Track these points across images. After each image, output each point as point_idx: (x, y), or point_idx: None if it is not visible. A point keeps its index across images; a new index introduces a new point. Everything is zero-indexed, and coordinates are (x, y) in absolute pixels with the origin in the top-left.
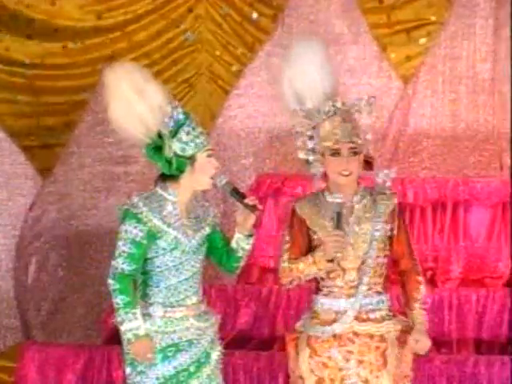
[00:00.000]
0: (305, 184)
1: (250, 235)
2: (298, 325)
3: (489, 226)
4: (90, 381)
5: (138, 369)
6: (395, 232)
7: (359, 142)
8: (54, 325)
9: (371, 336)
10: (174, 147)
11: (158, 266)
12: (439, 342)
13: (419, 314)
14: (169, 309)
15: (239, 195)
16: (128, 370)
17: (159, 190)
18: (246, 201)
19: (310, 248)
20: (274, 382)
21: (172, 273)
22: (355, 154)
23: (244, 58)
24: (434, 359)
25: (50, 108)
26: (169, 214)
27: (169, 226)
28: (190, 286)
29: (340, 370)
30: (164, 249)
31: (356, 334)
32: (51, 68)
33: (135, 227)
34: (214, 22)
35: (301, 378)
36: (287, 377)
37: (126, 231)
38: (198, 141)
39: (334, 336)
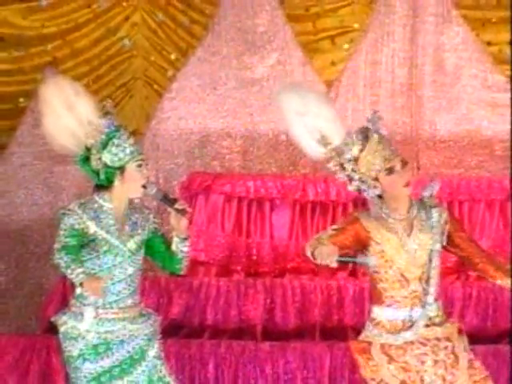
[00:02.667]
0: (233, 182)
1: (186, 238)
2: (362, 336)
3: None
4: (27, 368)
5: (73, 365)
6: (446, 241)
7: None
8: None
9: (438, 338)
10: (105, 158)
11: (92, 269)
12: (360, 331)
13: None
14: (101, 310)
15: (170, 201)
16: (67, 368)
17: (96, 197)
18: (177, 206)
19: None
20: (204, 368)
21: (106, 274)
22: (405, 164)
23: (178, 63)
24: None
25: None
26: (104, 220)
27: (102, 229)
28: (124, 289)
29: (418, 372)
30: (97, 251)
31: (427, 339)
32: None
33: (73, 220)
34: (149, 30)
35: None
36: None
37: (64, 224)
38: (127, 152)
39: (406, 342)
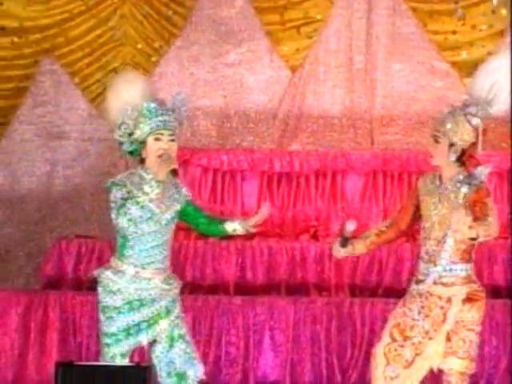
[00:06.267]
0: (209, 156)
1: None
2: None
3: (362, 191)
4: (29, 320)
5: (107, 315)
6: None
7: (450, 136)
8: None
9: (440, 297)
10: (136, 135)
11: (134, 232)
12: (320, 287)
13: None
14: (140, 269)
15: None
16: (100, 316)
17: (139, 170)
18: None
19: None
20: None
21: (146, 239)
22: (436, 142)
23: (161, 50)
24: (317, 301)
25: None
26: (146, 189)
27: (144, 194)
28: (160, 252)
29: (412, 319)
30: (141, 217)
31: (431, 293)
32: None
33: (121, 192)
34: (136, 21)
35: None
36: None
37: (114, 197)
38: (147, 127)
39: (418, 293)
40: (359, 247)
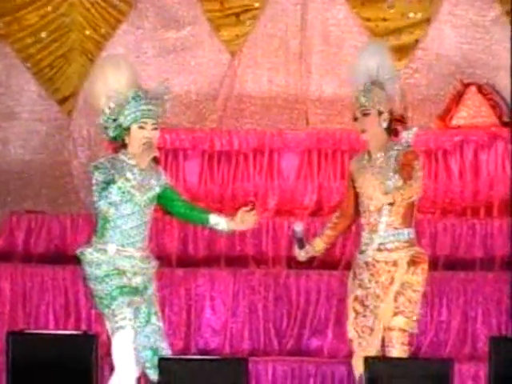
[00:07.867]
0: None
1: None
2: None
3: (297, 168)
4: None
5: (99, 280)
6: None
7: (376, 105)
8: None
9: (386, 262)
10: (120, 121)
11: (114, 214)
12: (258, 259)
13: None
14: (120, 247)
15: None
16: (93, 285)
17: (121, 155)
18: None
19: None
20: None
21: (125, 220)
22: (365, 114)
23: (108, 36)
24: (255, 273)
25: None
26: (127, 173)
27: (126, 181)
28: (139, 233)
29: (366, 288)
30: (120, 200)
31: (377, 260)
32: None
33: (103, 175)
34: (84, 8)
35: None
36: None
37: (96, 180)
38: (132, 115)
39: (365, 262)
40: (318, 244)
